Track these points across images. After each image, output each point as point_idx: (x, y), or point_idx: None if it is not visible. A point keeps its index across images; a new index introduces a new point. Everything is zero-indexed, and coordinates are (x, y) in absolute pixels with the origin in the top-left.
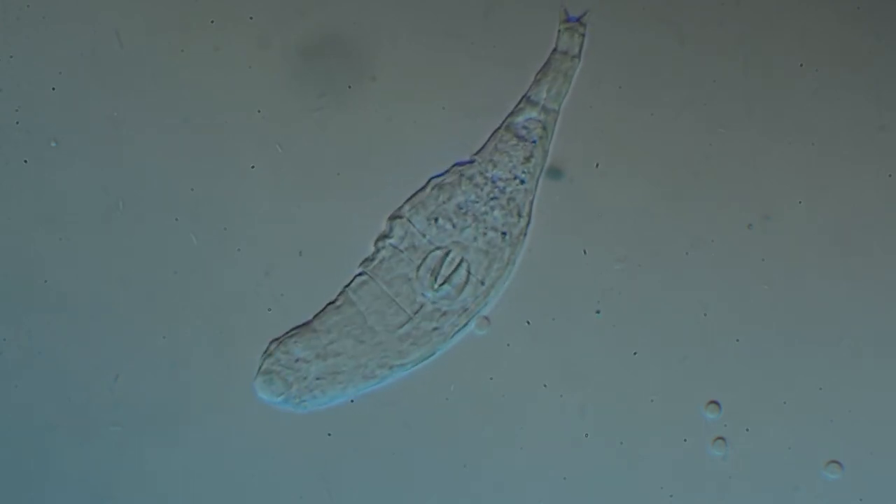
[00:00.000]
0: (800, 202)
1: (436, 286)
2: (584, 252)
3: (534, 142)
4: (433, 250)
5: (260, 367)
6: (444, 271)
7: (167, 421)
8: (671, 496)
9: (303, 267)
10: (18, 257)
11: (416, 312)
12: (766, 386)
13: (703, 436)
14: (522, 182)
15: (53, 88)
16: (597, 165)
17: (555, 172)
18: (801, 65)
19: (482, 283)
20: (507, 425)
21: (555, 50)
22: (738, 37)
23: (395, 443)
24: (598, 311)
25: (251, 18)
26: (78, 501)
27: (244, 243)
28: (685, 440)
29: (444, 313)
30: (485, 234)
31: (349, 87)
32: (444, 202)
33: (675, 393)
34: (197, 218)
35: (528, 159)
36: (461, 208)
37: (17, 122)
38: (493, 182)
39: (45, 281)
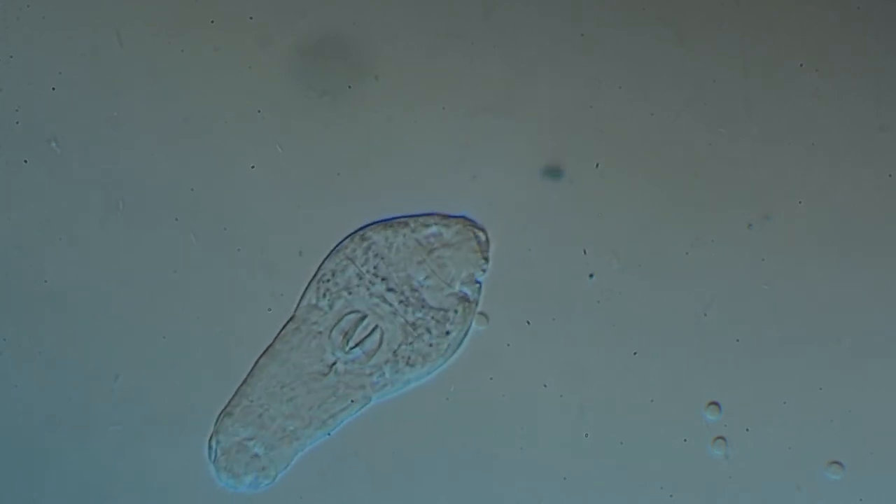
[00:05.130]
0: (800, 202)
1: (347, 349)
2: (584, 252)
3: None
4: (349, 313)
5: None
6: (358, 335)
7: (167, 421)
8: (671, 496)
9: (303, 267)
10: (18, 257)
11: (330, 368)
12: (766, 386)
13: (703, 436)
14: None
15: (53, 88)
16: (597, 165)
17: (555, 172)
18: (801, 65)
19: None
20: (506, 425)
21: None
22: (738, 37)
23: (394, 443)
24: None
25: (251, 18)
26: (78, 501)
27: (244, 243)
28: (685, 440)
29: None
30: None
31: (349, 87)
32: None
33: (675, 393)
34: (197, 218)
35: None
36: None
37: (17, 122)
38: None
39: (45, 281)
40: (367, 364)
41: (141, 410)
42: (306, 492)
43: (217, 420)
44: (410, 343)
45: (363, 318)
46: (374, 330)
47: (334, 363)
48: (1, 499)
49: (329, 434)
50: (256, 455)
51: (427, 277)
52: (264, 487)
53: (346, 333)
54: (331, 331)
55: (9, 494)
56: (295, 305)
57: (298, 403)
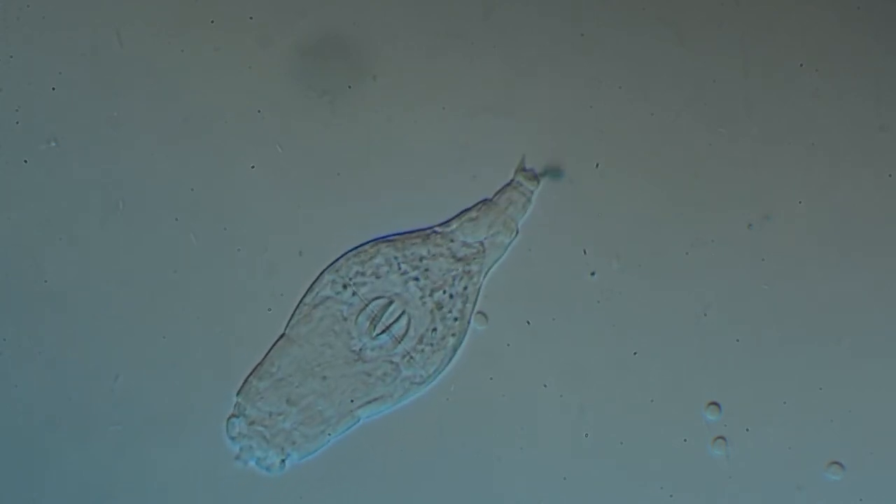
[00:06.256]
0: (800, 202)
1: (374, 334)
2: (584, 252)
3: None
4: (375, 298)
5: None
6: (385, 320)
7: (167, 421)
8: (671, 496)
9: (303, 267)
10: (18, 257)
11: (358, 355)
12: (766, 386)
13: (703, 436)
14: (452, 297)
15: (53, 88)
16: (597, 165)
17: (555, 172)
18: (801, 65)
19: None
20: (506, 425)
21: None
22: (738, 37)
23: (394, 443)
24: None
25: (251, 18)
26: (78, 501)
27: (244, 243)
28: (685, 440)
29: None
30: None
31: (349, 87)
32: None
33: (675, 393)
34: (197, 218)
35: (467, 274)
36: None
37: (17, 122)
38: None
39: (45, 281)
40: (393, 350)
41: (141, 410)
42: (306, 492)
43: (243, 389)
44: (440, 320)
45: (390, 303)
46: (401, 315)
47: (361, 349)
48: (1, 499)
49: (329, 436)
50: (284, 430)
51: (494, 231)
52: (275, 471)
53: (373, 319)
54: (356, 316)
55: (9, 494)
56: (286, 323)
57: (331, 385)
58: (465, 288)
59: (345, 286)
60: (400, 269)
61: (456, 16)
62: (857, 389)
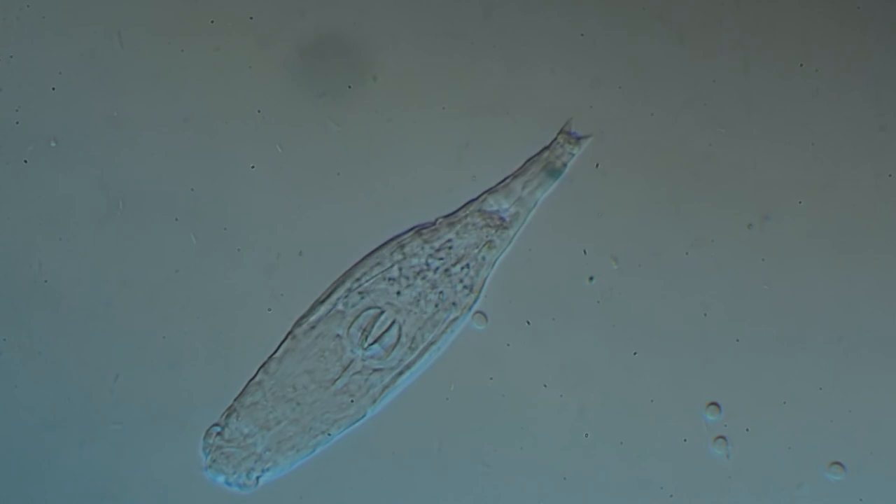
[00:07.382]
0: (800, 202)
1: (365, 345)
2: (585, 252)
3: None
4: (367, 309)
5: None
6: (376, 331)
7: (167, 421)
8: (671, 496)
9: (303, 267)
10: (18, 257)
11: (345, 368)
12: (766, 386)
13: (703, 436)
14: (467, 266)
15: (53, 88)
16: (597, 165)
17: (555, 172)
18: (801, 65)
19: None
20: (506, 425)
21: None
22: (738, 37)
23: (393, 443)
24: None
25: (251, 18)
26: (78, 501)
27: (244, 243)
28: (685, 440)
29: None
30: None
31: (349, 87)
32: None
33: (675, 393)
34: (197, 218)
35: (489, 244)
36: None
37: (17, 123)
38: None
39: (45, 281)
40: (385, 359)
41: (141, 410)
42: (305, 492)
43: (224, 413)
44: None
45: (381, 313)
46: (392, 325)
47: (350, 363)
48: (1, 499)
49: (330, 435)
50: (256, 454)
51: (528, 190)
52: (247, 490)
53: (365, 329)
54: (349, 328)
55: (9, 494)
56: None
57: (304, 410)
58: (484, 258)
59: (361, 293)
60: (428, 265)
61: (456, 16)
62: (857, 389)
